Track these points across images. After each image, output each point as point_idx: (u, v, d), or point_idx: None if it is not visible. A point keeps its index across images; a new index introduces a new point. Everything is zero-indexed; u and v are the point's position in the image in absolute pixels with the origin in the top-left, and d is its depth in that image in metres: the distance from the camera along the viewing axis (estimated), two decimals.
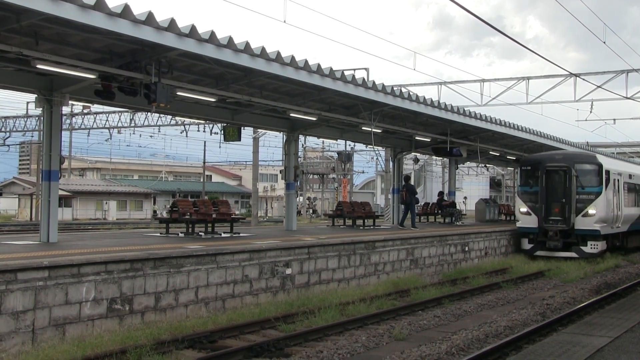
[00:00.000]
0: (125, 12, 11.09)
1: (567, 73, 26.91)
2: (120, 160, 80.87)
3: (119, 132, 46.92)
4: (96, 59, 13.36)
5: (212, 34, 12.68)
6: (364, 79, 17.69)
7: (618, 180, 26.61)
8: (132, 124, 42.85)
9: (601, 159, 26.15)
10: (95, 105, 29.29)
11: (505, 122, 26.08)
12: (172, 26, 11.89)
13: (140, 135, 52.10)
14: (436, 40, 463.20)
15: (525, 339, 11.07)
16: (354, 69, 23.27)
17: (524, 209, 25.76)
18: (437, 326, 12.56)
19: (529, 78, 30.23)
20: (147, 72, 13.24)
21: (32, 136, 49.56)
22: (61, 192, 37.09)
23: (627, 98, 28.34)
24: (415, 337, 11.45)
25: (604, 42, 23.17)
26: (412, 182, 26.08)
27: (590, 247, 24.58)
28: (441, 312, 13.82)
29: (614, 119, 42.38)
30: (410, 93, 20.18)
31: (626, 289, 17.28)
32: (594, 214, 24.43)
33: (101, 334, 10.74)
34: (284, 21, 17.97)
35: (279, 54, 14.34)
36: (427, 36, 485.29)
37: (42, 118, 15.69)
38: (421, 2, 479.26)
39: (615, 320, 11.27)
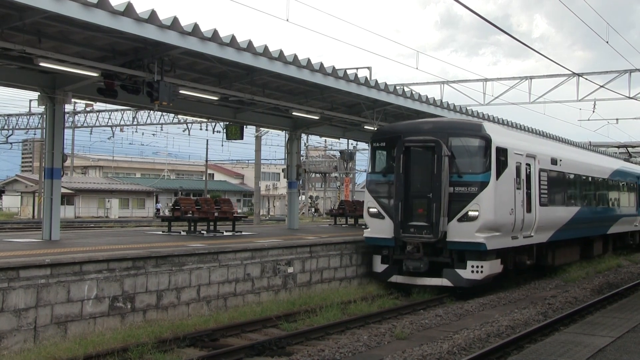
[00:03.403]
0: (128, 11, 11.10)
1: (570, 72, 26.82)
2: (122, 159, 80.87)
3: (121, 130, 46.97)
4: (99, 57, 13.38)
5: (215, 32, 12.68)
6: (366, 77, 17.70)
7: (528, 165, 18.05)
8: (135, 122, 42.84)
9: (491, 129, 16.94)
10: (98, 104, 29.27)
11: (508, 122, 26.08)
12: (175, 24, 11.89)
13: (142, 134, 52.18)
14: (442, 39, 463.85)
15: (527, 339, 11.07)
16: (357, 68, 23.21)
17: (373, 209, 16.98)
18: (438, 325, 12.55)
19: (531, 77, 30.17)
20: (150, 70, 13.26)
21: (34, 134, 49.65)
22: (63, 190, 37.12)
23: (630, 98, 28.22)
24: (416, 336, 11.45)
25: (607, 42, 23.11)
26: None
27: (472, 271, 15.76)
28: (443, 311, 13.81)
29: (617, 119, 42.31)
30: (413, 92, 20.18)
31: (628, 289, 17.27)
32: (476, 217, 15.67)
33: (103, 332, 10.76)
34: (287, 20, 17.92)
35: (281, 52, 14.34)
36: (434, 34, 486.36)
37: (44, 116, 15.73)
38: (429, 1, 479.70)
39: (617, 320, 11.26)
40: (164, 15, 11.80)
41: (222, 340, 11.18)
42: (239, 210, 47.27)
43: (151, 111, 37.43)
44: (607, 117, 54.76)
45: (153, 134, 52.73)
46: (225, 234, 18.59)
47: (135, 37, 11.93)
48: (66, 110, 17.30)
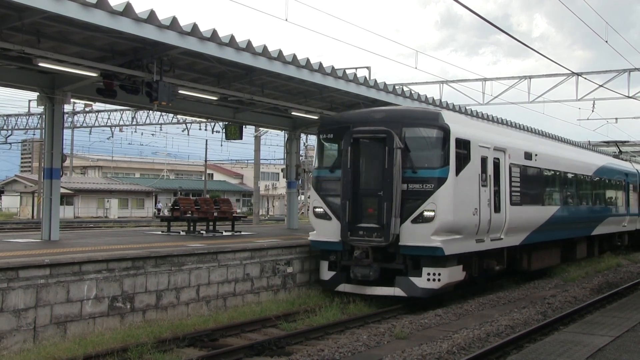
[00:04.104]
0: (127, 11, 11.11)
1: (570, 72, 26.83)
2: (122, 159, 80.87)
3: (120, 131, 47.00)
4: (98, 57, 13.38)
5: (214, 32, 12.69)
6: (365, 77, 17.71)
7: (497, 159, 16.19)
8: (134, 122, 42.86)
9: (450, 119, 14.90)
10: (97, 104, 29.26)
11: (508, 121, 26.10)
12: (174, 24, 11.90)
13: (142, 134, 52.19)
14: (442, 38, 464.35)
15: (527, 338, 11.07)
16: (356, 68, 23.22)
17: (319, 209, 15.17)
18: (438, 325, 12.55)
19: (530, 77, 30.19)
20: (149, 70, 13.26)
21: (34, 134, 49.69)
22: (63, 190, 37.12)
23: (629, 97, 28.26)
24: (416, 336, 11.44)
25: (606, 41, 23.13)
26: None
27: (428, 279, 14.03)
28: (442, 311, 13.81)
29: (616, 118, 42.20)
30: (412, 92, 20.18)
31: (628, 288, 17.28)
32: (432, 218, 13.87)
33: (102, 332, 10.76)
34: (286, 19, 17.94)
35: (280, 52, 14.34)
36: (434, 34, 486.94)
37: (44, 116, 15.74)
38: (429, 1, 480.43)
39: (617, 320, 11.26)
40: (163, 15, 11.81)
41: (222, 340, 11.18)
42: (238, 210, 47.30)
43: (150, 111, 37.45)
44: (606, 117, 54.78)
45: (152, 134, 52.79)
46: (224, 234, 18.59)
47: (134, 37, 11.94)
48: (65, 110, 17.30)
